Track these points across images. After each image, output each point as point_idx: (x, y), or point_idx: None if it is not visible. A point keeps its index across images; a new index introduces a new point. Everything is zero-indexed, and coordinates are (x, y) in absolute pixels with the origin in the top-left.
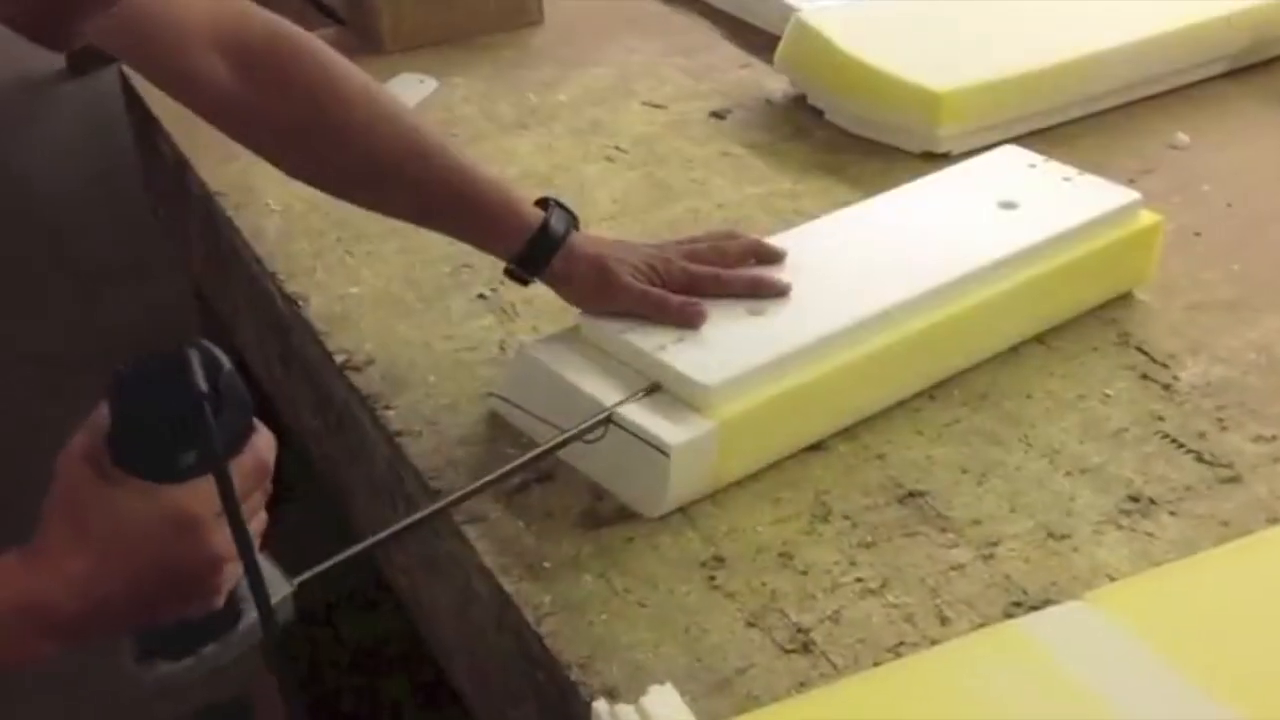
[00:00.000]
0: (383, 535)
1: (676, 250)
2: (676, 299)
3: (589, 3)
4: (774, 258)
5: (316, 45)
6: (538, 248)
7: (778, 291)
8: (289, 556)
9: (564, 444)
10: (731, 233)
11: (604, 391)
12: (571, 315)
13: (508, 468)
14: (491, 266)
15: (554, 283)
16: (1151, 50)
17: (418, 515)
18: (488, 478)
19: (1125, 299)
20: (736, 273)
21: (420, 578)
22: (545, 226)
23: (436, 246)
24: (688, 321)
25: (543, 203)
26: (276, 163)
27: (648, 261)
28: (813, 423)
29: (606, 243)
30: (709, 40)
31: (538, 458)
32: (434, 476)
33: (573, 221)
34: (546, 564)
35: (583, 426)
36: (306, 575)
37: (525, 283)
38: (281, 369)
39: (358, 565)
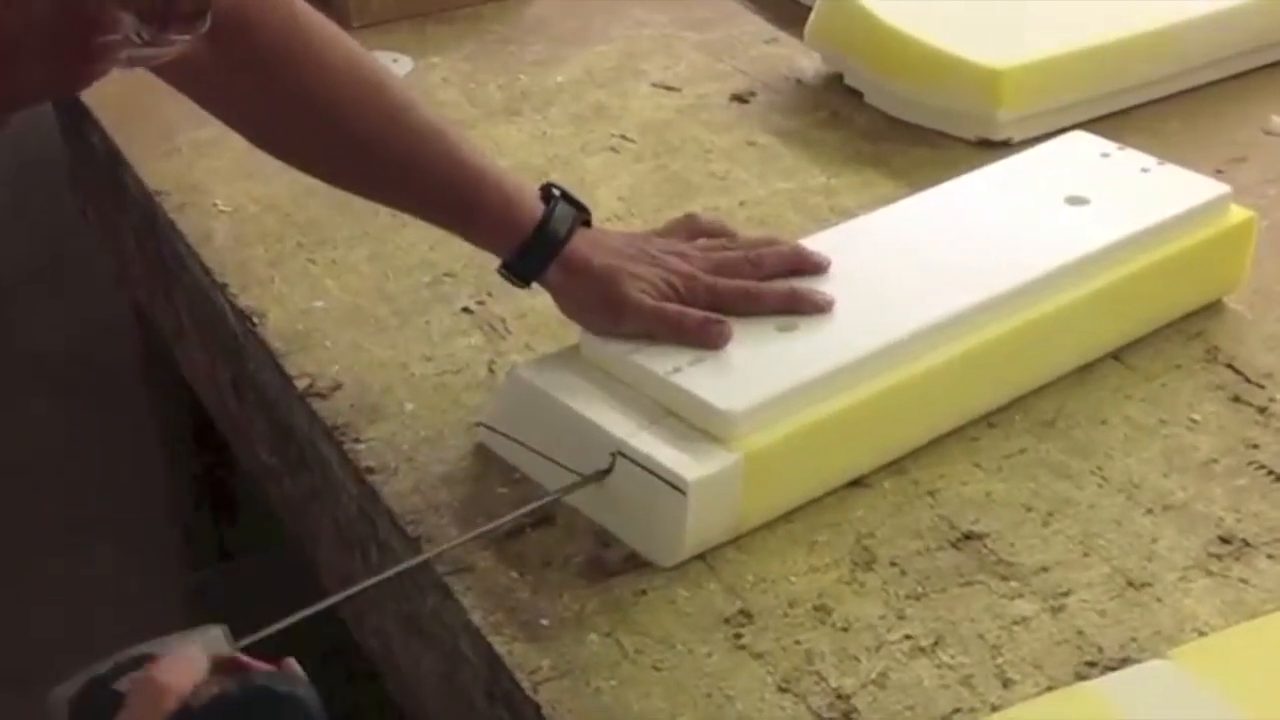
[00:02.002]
0: (347, 593)
1: (704, 261)
2: (696, 315)
3: None
4: (816, 269)
5: (295, 6)
6: (533, 250)
7: (818, 308)
8: (241, 616)
9: (572, 490)
10: (770, 239)
11: (610, 420)
12: (573, 331)
13: (504, 520)
14: (477, 275)
15: (553, 293)
16: (1243, 20)
17: (389, 572)
18: (477, 531)
19: (1214, 308)
20: (771, 286)
21: (398, 639)
22: (544, 225)
23: (413, 252)
24: (709, 341)
25: (547, 193)
26: (248, 136)
27: (666, 279)
28: (853, 455)
29: (617, 248)
30: (729, 11)
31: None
32: (413, 521)
33: (580, 217)
34: (545, 621)
35: (590, 475)
36: (252, 639)
37: (525, 284)
38: (234, 397)
39: (319, 627)
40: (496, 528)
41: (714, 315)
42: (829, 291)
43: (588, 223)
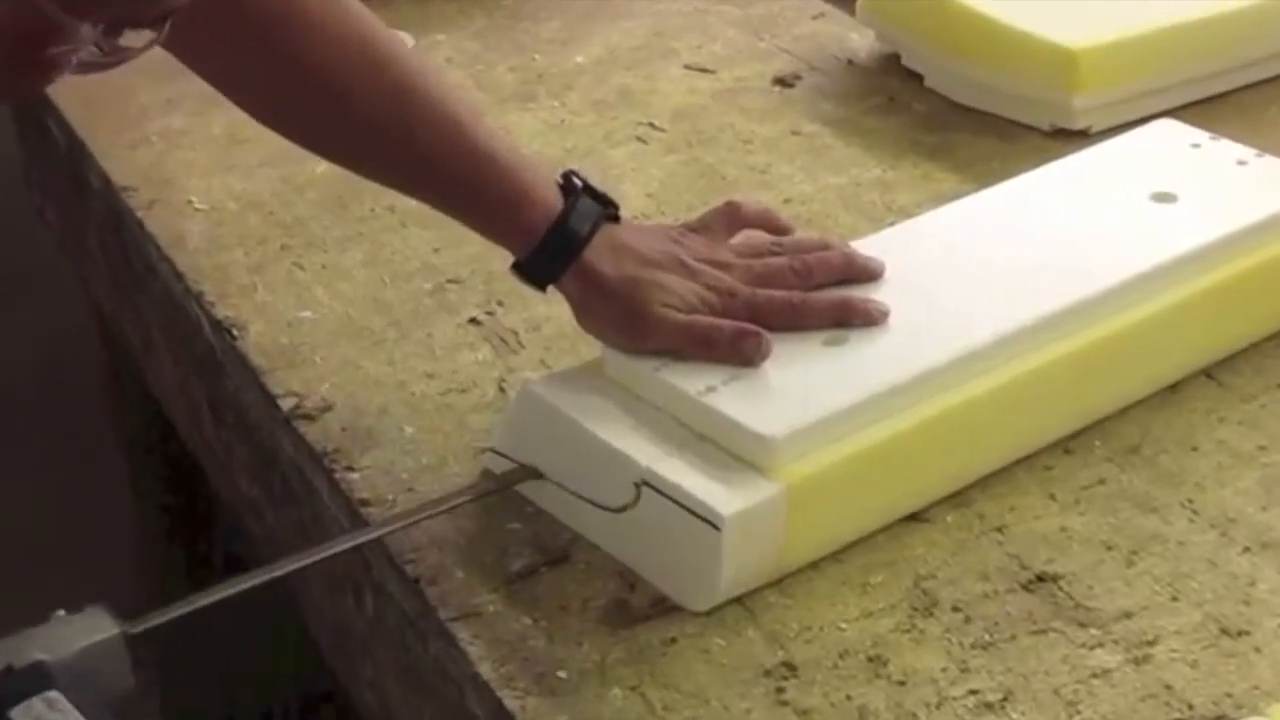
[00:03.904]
0: (264, 575)
1: (745, 272)
2: (728, 328)
3: None
4: (870, 276)
5: None
6: (549, 252)
7: (870, 318)
8: (219, 664)
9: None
10: (821, 241)
11: (635, 446)
12: (593, 345)
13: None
14: (486, 282)
15: (570, 303)
16: None
17: (326, 549)
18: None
19: None
20: (819, 296)
21: (395, 693)
22: (561, 224)
23: (414, 256)
24: (744, 357)
25: (568, 185)
26: (259, 117)
27: (699, 294)
28: (910, 485)
29: (645, 253)
30: None
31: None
32: (412, 560)
33: (604, 214)
34: (562, 674)
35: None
36: (147, 624)
37: (540, 288)
38: (211, 419)
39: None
40: (449, 507)
41: (749, 326)
42: (886, 300)
43: (615, 218)
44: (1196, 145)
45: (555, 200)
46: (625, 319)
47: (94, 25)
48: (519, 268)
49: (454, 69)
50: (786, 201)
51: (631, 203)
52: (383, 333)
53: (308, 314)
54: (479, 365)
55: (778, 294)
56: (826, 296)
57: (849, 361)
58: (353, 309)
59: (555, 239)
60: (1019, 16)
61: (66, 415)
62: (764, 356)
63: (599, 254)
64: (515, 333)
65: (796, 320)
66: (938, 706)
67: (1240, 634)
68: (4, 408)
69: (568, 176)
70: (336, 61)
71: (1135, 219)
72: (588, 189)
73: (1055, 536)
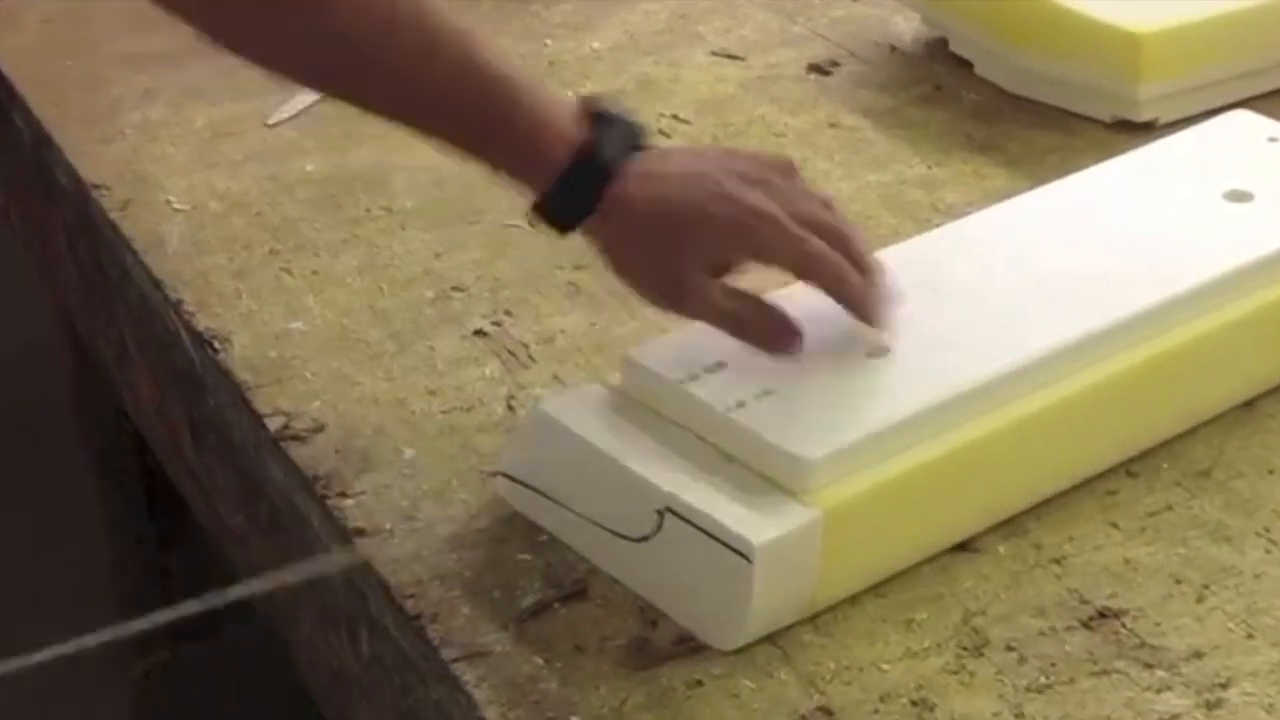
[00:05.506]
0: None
1: (789, 200)
2: (770, 321)
3: None
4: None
5: None
6: (572, 186)
7: (864, 307)
8: (201, 710)
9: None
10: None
11: (657, 469)
12: (610, 359)
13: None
14: (493, 289)
15: (598, 248)
16: None
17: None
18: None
19: None
20: (862, 282)
21: None
22: (587, 155)
23: (414, 261)
24: (778, 350)
25: (593, 112)
26: (203, 26)
27: (742, 220)
28: (959, 512)
29: (680, 193)
30: None
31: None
32: (413, 595)
33: (637, 138)
34: (576, 719)
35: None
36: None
37: (561, 232)
38: (190, 441)
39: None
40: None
41: (791, 323)
42: (933, 308)
43: (641, 141)
44: (1274, 139)
45: (578, 126)
46: (661, 278)
47: None
48: (539, 207)
49: None
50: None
51: None
52: (380, 345)
53: (297, 325)
54: (485, 381)
55: (832, 255)
56: (870, 288)
57: (892, 375)
58: (347, 319)
59: (578, 173)
60: None
61: (32, 436)
62: (796, 349)
63: (632, 186)
64: (525, 345)
65: (836, 287)
66: None
67: None
68: None
69: (592, 101)
70: None
71: (1206, 219)
72: (614, 115)
73: (1118, 568)
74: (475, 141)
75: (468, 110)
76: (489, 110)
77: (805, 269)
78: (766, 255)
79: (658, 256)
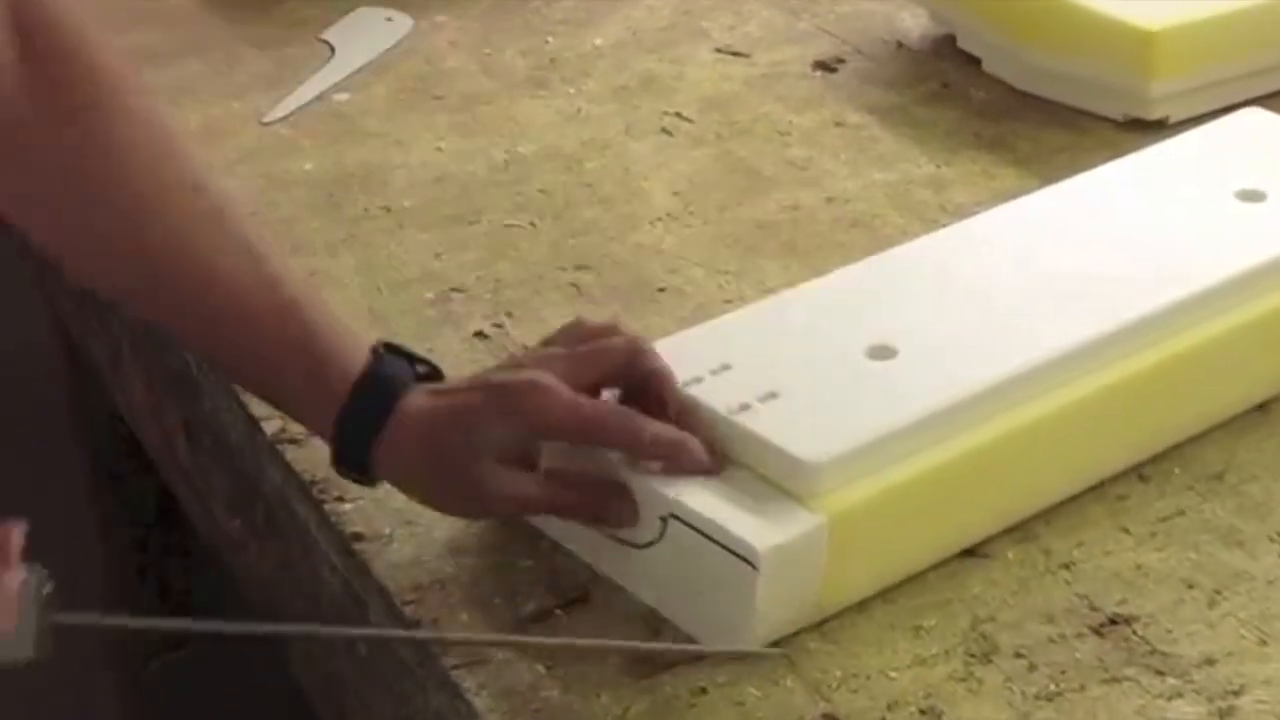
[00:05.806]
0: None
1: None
2: (603, 490)
3: None
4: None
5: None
6: (350, 427)
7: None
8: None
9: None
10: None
11: (659, 474)
12: None
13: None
14: (493, 290)
15: (392, 480)
16: None
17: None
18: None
19: None
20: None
21: None
22: (365, 384)
23: (413, 262)
24: (623, 518)
25: (375, 348)
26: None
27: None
28: (967, 517)
29: (460, 384)
30: None
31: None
32: (412, 601)
33: (416, 372)
34: None
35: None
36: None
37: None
38: (186, 444)
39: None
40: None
41: (626, 492)
42: (940, 310)
43: (433, 376)
44: None
45: (356, 365)
46: (458, 483)
47: None
48: (341, 462)
49: (458, 52)
50: (829, 200)
51: (656, 202)
52: None
53: None
54: None
55: (614, 416)
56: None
57: (899, 378)
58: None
59: (358, 407)
60: None
61: (25, 439)
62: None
63: (409, 405)
64: (526, 348)
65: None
66: None
67: None
68: None
69: (377, 344)
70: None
71: (1219, 219)
72: (398, 349)
73: (1129, 574)
74: (251, 376)
75: (260, 335)
76: (282, 334)
77: (587, 435)
78: (542, 426)
79: (441, 462)
